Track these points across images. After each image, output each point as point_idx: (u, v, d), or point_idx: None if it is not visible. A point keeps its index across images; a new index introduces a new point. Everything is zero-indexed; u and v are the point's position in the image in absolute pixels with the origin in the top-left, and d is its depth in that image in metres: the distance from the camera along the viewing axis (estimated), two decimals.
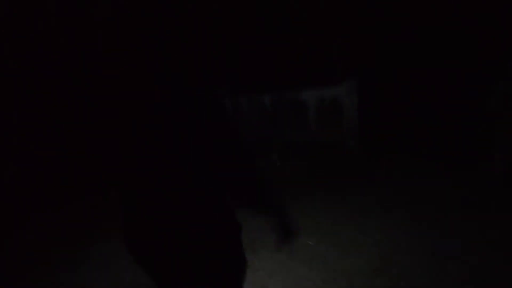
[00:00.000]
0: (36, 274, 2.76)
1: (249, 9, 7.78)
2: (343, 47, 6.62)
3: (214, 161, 0.94)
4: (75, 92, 6.00)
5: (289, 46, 7.31)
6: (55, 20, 6.22)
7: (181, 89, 0.96)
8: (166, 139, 0.93)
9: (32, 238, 3.66)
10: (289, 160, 6.24)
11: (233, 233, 1.03)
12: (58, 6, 6.34)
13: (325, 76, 6.69)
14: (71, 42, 6.19)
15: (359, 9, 6.49)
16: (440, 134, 5.61)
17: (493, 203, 3.48)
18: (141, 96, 0.97)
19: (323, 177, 5.21)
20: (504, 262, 2.31)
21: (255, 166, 1.00)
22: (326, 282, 2.27)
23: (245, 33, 7.76)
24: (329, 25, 6.73)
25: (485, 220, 3.05)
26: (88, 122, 5.42)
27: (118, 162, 1.02)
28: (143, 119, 0.95)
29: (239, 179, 0.97)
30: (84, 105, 5.65)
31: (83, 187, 5.05)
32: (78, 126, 5.83)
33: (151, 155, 0.94)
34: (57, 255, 3.08)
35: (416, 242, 2.72)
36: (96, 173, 4.25)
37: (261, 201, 1.03)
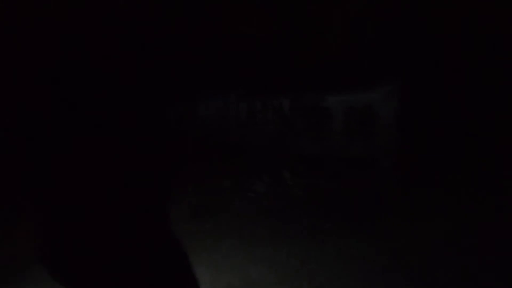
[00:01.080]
0: None
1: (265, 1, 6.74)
2: (380, 40, 5.39)
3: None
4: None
5: (313, 40, 6.16)
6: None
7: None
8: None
9: None
10: (305, 177, 5.06)
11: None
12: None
13: (356, 78, 5.47)
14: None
15: None
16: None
17: None
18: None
19: (343, 206, 3.99)
20: None
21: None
22: None
23: (260, 26, 6.71)
24: (360, 12, 5.54)
25: None
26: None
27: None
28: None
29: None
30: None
31: None
32: None
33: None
34: None
35: None
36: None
37: None
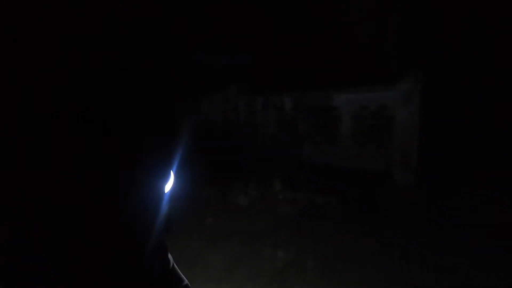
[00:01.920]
0: None
1: None
2: (399, 31, 4.49)
3: None
4: None
5: (322, 29, 5.31)
6: None
7: None
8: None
9: None
10: (302, 190, 4.28)
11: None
12: None
13: (371, 75, 4.60)
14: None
15: None
16: None
17: None
18: None
19: (339, 236, 3.19)
20: None
21: None
22: None
23: (263, 16, 5.91)
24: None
25: None
26: None
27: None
28: None
29: None
30: None
31: None
32: None
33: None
34: None
35: None
36: None
37: None
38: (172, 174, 0.92)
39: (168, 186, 0.91)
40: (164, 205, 0.84)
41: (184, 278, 1.08)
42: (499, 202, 3.59)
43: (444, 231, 3.19)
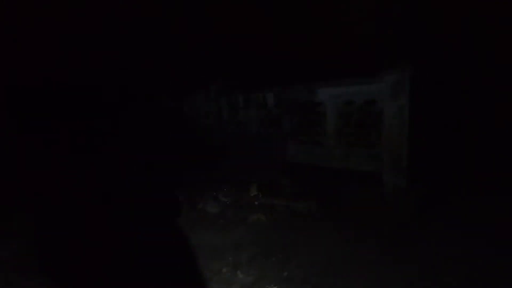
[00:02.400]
0: None
1: None
2: (386, 15, 4.04)
3: None
4: None
5: (306, 20, 4.86)
6: None
7: None
8: None
9: None
10: (281, 195, 3.87)
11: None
12: None
13: (356, 66, 4.14)
14: None
15: None
16: None
17: None
18: None
19: (324, 244, 2.78)
20: None
21: None
22: None
23: (242, 8, 5.47)
24: None
25: None
26: None
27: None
28: None
29: None
30: None
31: None
32: None
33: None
34: None
35: None
36: None
37: None
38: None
39: None
40: None
41: None
42: (498, 209, 3.14)
43: (434, 245, 2.76)
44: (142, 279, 2.31)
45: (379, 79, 3.76)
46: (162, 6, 6.45)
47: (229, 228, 3.24)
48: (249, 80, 5.39)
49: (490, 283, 2.17)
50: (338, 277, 2.33)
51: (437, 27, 3.97)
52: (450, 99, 4.06)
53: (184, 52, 6.08)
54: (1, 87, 4.72)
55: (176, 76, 6.55)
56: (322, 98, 4.41)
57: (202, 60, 6.02)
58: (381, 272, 2.36)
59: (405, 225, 3.16)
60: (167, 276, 2.40)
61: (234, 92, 5.60)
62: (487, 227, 2.95)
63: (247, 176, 4.24)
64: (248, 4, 5.46)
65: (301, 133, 4.72)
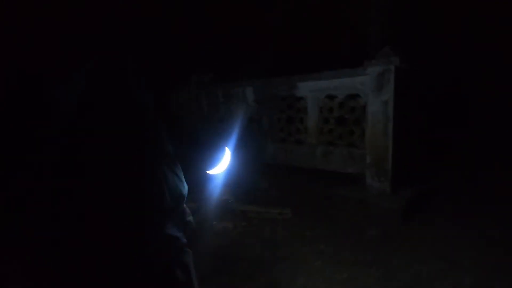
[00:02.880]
0: None
1: None
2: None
3: None
4: None
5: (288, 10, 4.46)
6: None
7: None
8: None
9: None
10: (255, 201, 3.54)
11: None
12: None
13: (339, 57, 3.75)
14: None
15: None
16: None
17: None
18: None
19: (291, 261, 2.46)
20: None
21: None
22: None
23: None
24: None
25: None
26: None
27: None
28: None
29: None
30: None
31: None
32: None
33: None
34: None
35: None
36: None
37: None
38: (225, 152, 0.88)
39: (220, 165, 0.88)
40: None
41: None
42: (486, 218, 2.80)
43: (418, 259, 2.43)
44: None
45: (362, 70, 3.38)
46: None
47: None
48: (228, 73, 5.02)
49: None
50: None
51: (426, 14, 3.58)
52: (440, 94, 3.69)
53: (158, 44, 5.71)
54: None
55: (155, 70, 6.20)
56: (303, 92, 4.04)
57: (181, 53, 5.65)
58: None
59: (388, 235, 2.82)
60: None
61: (214, 86, 5.24)
62: (477, 237, 2.62)
63: (220, 178, 3.90)
64: None
65: (282, 130, 4.37)
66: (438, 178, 3.66)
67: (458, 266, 2.27)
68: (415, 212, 3.13)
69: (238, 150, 4.66)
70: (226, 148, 2.31)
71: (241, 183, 3.87)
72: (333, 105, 3.76)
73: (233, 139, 4.63)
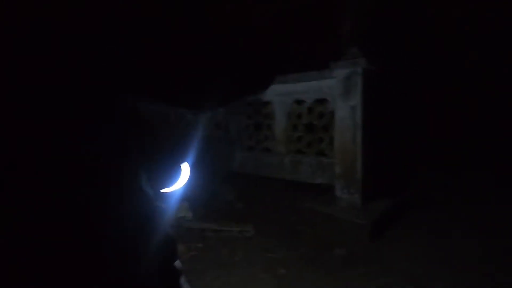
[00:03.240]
0: None
1: None
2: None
3: None
4: None
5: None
6: None
7: None
8: None
9: None
10: (216, 217, 3.22)
11: None
12: None
13: (306, 58, 3.48)
14: None
15: None
16: None
17: None
18: None
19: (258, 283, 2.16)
20: None
21: None
22: None
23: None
24: None
25: None
26: None
27: None
28: None
29: None
30: None
31: None
32: None
33: None
34: None
35: None
36: None
37: None
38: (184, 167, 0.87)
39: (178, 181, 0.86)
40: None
41: None
42: (463, 230, 2.56)
43: (386, 284, 2.16)
44: None
45: (329, 73, 3.11)
46: None
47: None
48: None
49: None
50: None
51: (394, 13, 3.35)
52: (412, 98, 3.45)
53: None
54: None
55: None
56: (269, 96, 3.75)
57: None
58: None
59: (356, 256, 2.55)
60: None
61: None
62: (451, 255, 2.38)
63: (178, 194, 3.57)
64: None
65: (250, 138, 4.07)
66: (412, 187, 3.43)
67: None
68: (386, 227, 2.87)
69: (203, 160, 4.34)
70: (184, 163, 1.98)
71: (204, 195, 3.55)
72: (302, 111, 3.49)
73: (195, 148, 4.30)
